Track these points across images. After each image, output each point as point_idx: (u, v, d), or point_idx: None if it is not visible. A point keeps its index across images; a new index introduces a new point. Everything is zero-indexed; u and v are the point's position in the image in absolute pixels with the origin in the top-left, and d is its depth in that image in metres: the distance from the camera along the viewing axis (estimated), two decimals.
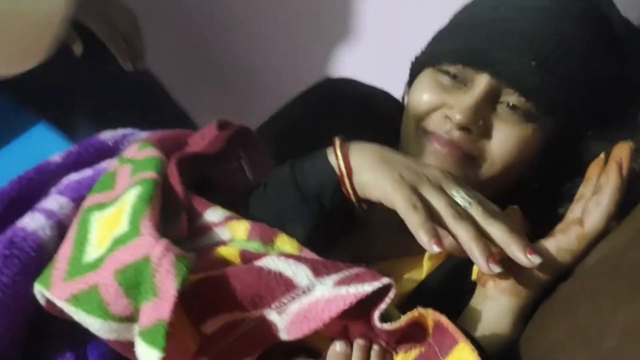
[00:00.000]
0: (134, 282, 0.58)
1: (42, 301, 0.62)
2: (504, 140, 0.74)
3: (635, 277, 0.56)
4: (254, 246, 0.64)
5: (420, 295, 0.73)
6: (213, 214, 0.67)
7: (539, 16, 0.76)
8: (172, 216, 0.66)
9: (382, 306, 0.58)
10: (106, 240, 0.61)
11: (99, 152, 0.77)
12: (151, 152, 0.70)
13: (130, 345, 0.59)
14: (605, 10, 0.80)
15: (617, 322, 0.53)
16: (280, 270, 0.59)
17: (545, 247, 0.66)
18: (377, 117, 0.87)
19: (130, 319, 0.58)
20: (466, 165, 0.75)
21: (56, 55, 1.07)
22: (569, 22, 0.76)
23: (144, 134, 0.80)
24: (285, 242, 0.64)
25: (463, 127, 0.74)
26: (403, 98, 0.86)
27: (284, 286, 0.58)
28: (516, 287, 0.65)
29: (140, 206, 0.62)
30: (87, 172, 0.73)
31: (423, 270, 0.76)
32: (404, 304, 0.68)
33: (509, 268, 0.65)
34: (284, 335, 0.60)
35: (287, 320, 0.59)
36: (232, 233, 0.65)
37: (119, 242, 0.60)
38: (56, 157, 0.76)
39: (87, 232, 0.63)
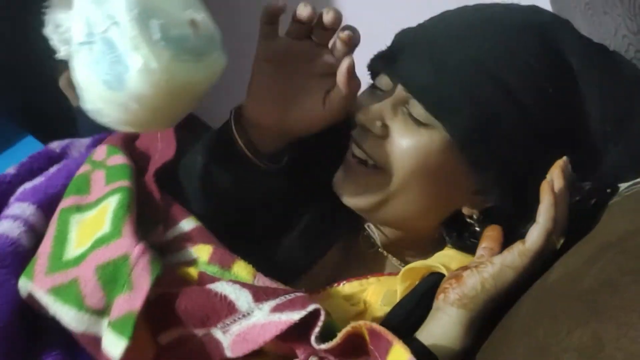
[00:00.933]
0: (111, 277, 0.65)
1: (24, 294, 0.67)
2: (399, 143, 0.74)
3: (590, 298, 0.58)
4: (213, 270, 0.69)
5: (395, 317, 0.74)
6: (186, 224, 0.73)
7: (450, 27, 0.77)
8: (148, 224, 0.71)
9: (316, 330, 0.63)
10: (87, 240, 0.67)
11: (48, 160, 0.84)
12: (121, 160, 0.77)
13: (95, 340, 0.65)
14: (555, 34, 0.76)
15: (573, 343, 0.55)
16: (226, 293, 0.65)
17: (491, 262, 0.70)
18: None
19: (102, 312, 0.65)
20: (372, 176, 0.76)
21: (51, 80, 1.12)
22: (488, 36, 0.74)
23: (85, 141, 0.88)
24: (241, 268, 0.70)
25: (363, 127, 0.76)
26: None
27: (227, 309, 0.65)
28: (463, 299, 0.69)
29: (121, 212, 0.69)
30: (39, 179, 0.79)
31: (397, 293, 0.78)
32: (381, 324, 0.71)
33: (457, 282, 0.70)
34: (228, 353, 0.65)
35: (229, 340, 0.65)
36: (197, 254, 0.70)
37: (100, 242, 0.67)
38: (11, 169, 0.82)
39: (67, 232, 0.69)
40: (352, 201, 0.77)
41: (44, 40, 1.12)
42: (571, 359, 0.55)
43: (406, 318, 0.73)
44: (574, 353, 0.55)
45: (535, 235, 0.69)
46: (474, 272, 0.70)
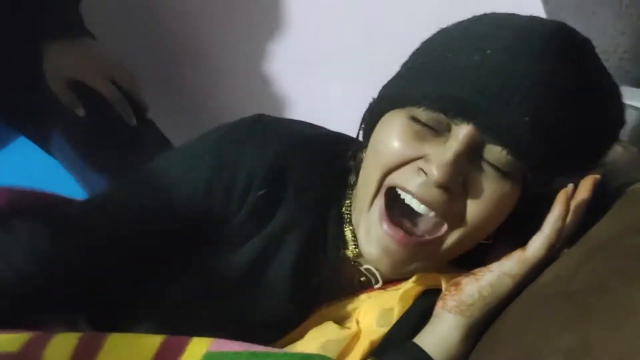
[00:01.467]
0: None
1: None
2: (481, 200, 0.68)
3: (579, 300, 0.58)
4: None
5: (394, 338, 0.73)
6: None
7: (531, 64, 0.67)
8: None
9: None
10: None
11: None
12: None
13: None
14: (588, 54, 0.72)
15: (562, 345, 0.55)
16: None
17: (489, 270, 0.69)
18: (303, 161, 0.78)
19: None
20: (431, 243, 0.71)
21: (37, 78, 1.12)
22: (557, 69, 0.68)
23: None
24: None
25: (441, 186, 0.67)
26: (358, 135, 0.78)
27: None
28: (460, 306, 0.68)
29: None
30: None
31: (393, 312, 0.74)
32: (379, 346, 0.71)
33: (455, 289, 0.69)
34: None
35: None
36: None
37: None
38: None
39: None
40: (398, 272, 0.73)
41: (33, 41, 1.13)
42: None
43: (409, 335, 0.71)
44: (562, 355, 0.55)
45: (537, 244, 0.68)
46: (472, 280, 0.69)
